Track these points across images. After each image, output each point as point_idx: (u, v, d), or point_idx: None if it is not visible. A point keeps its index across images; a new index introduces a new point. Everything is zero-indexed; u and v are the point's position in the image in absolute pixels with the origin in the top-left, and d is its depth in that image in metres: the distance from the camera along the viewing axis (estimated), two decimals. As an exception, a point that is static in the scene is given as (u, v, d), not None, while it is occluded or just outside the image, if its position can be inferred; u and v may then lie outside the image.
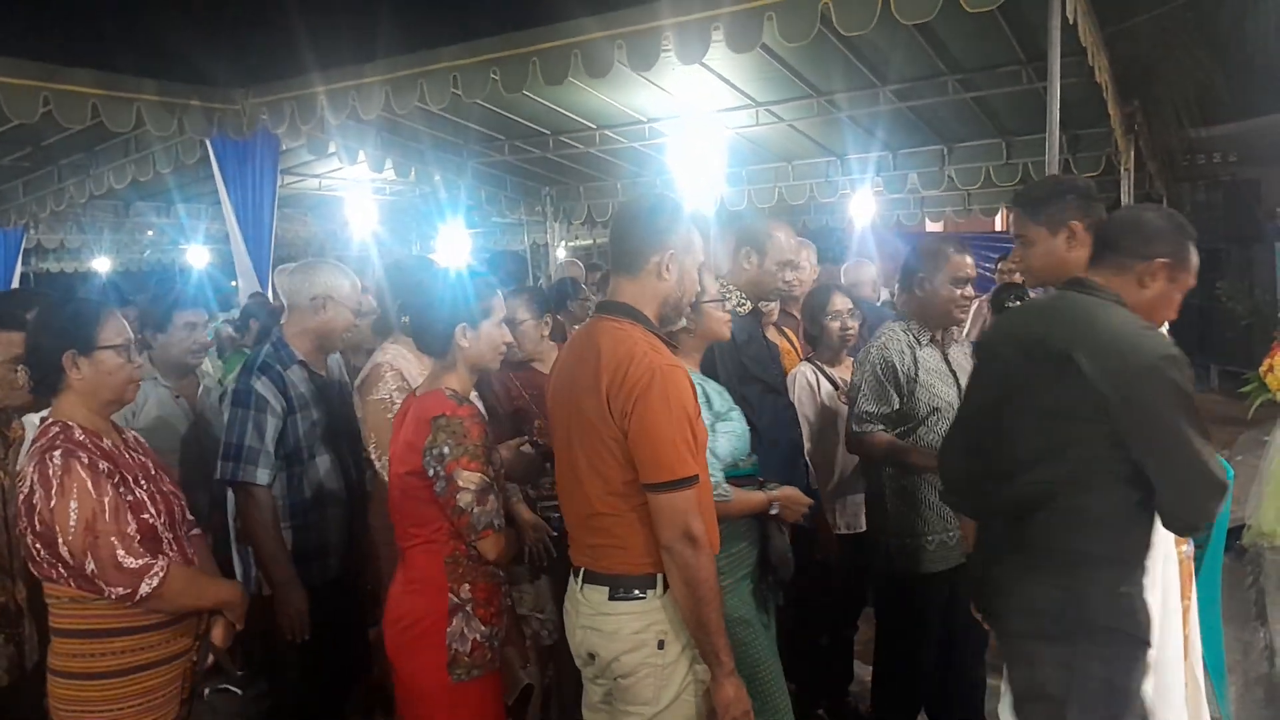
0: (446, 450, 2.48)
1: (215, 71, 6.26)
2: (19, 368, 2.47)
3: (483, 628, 2.57)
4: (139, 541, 2.32)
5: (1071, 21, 4.31)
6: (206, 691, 2.70)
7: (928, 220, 11.05)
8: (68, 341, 2.41)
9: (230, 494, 3.55)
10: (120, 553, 2.27)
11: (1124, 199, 7.53)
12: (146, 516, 2.42)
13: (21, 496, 2.30)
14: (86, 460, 2.30)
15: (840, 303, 3.94)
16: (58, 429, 2.37)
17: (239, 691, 2.91)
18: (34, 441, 2.39)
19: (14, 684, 2.78)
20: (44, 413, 2.50)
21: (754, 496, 2.84)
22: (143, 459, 2.57)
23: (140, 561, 2.29)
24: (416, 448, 2.51)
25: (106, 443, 2.45)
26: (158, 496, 2.49)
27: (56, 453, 2.29)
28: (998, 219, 13.68)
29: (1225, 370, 11.25)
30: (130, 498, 2.39)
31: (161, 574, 2.31)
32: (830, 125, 7.80)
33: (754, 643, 2.76)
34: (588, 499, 2.34)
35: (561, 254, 10.95)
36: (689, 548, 2.23)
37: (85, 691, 2.36)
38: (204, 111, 5.95)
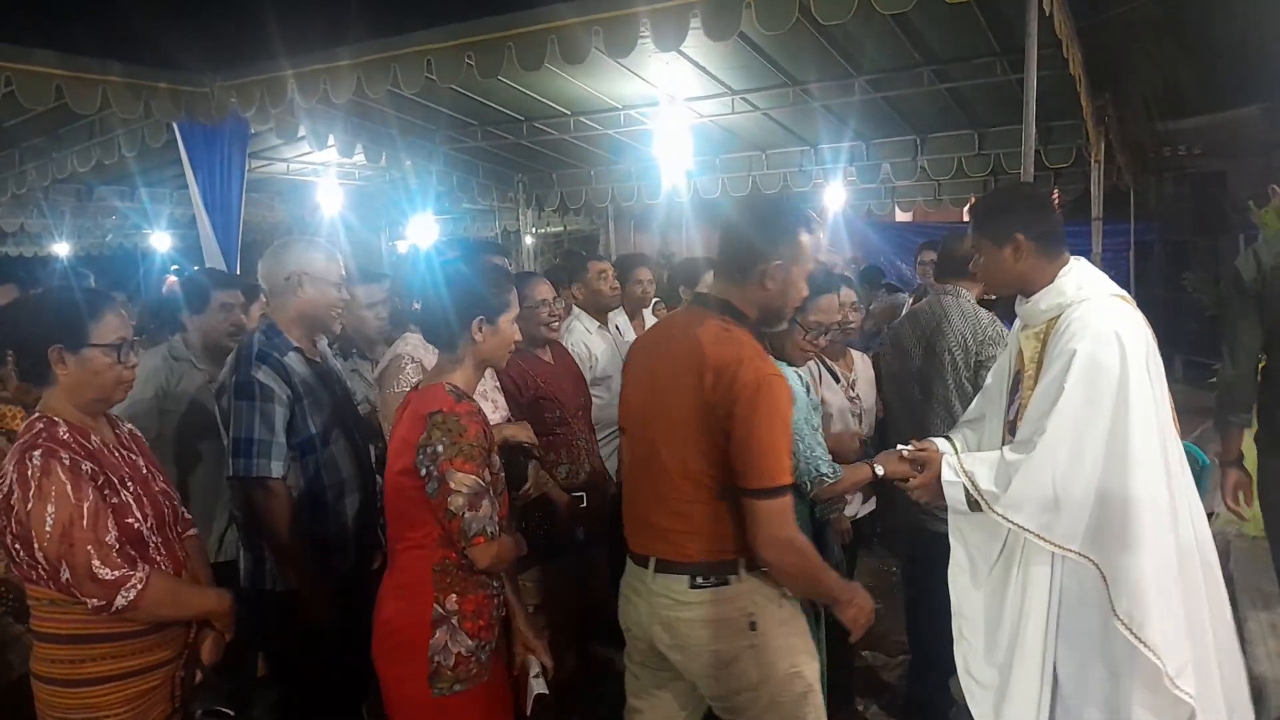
0: (440, 449, 2.37)
1: (183, 54, 6.13)
2: (9, 354, 2.33)
3: (469, 641, 2.46)
4: (118, 550, 2.22)
5: (1048, 14, 4.32)
6: (199, 713, 2.59)
7: (898, 210, 11.12)
8: (56, 335, 2.29)
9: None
10: (96, 563, 2.17)
11: (1094, 190, 7.61)
12: (131, 521, 2.32)
13: (0, 495, 2.20)
14: (68, 461, 2.20)
15: (843, 295, 3.92)
16: (41, 425, 2.27)
17: (231, 714, 2.80)
18: (17, 438, 2.29)
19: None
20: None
21: (860, 470, 2.95)
22: (134, 458, 2.47)
23: (116, 573, 2.19)
24: (411, 444, 2.41)
25: (94, 440, 2.34)
26: (144, 499, 2.38)
27: (37, 452, 2.19)
28: (966, 210, 13.78)
29: (1190, 361, 11.38)
30: (115, 500, 2.29)
31: (139, 585, 2.22)
32: (805, 114, 7.81)
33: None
34: (669, 488, 2.34)
35: (529, 241, 10.89)
36: (788, 553, 2.28)
37: (67, 698, 2.28)
38: (171, 94, 5.82)
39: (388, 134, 8.25)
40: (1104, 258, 7.83)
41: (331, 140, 7.74)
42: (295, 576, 2.97)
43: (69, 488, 2.18)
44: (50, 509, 2.15)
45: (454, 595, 2.46)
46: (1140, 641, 2.32)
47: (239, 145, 6.70)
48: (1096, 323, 2.44)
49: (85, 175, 8.88)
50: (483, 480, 2.41)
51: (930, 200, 9.98)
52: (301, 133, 7.64)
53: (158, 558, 2.37)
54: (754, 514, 2.24)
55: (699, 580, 2.33)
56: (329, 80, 5.52)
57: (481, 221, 14.44)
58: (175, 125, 6.34)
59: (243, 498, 3.01)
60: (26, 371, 2.33)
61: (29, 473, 2.17)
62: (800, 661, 2.40)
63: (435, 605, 2.45)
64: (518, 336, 2.68)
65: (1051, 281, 2.60)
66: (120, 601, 2.18)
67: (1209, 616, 2.48)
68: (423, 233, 11.79)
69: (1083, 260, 2.67)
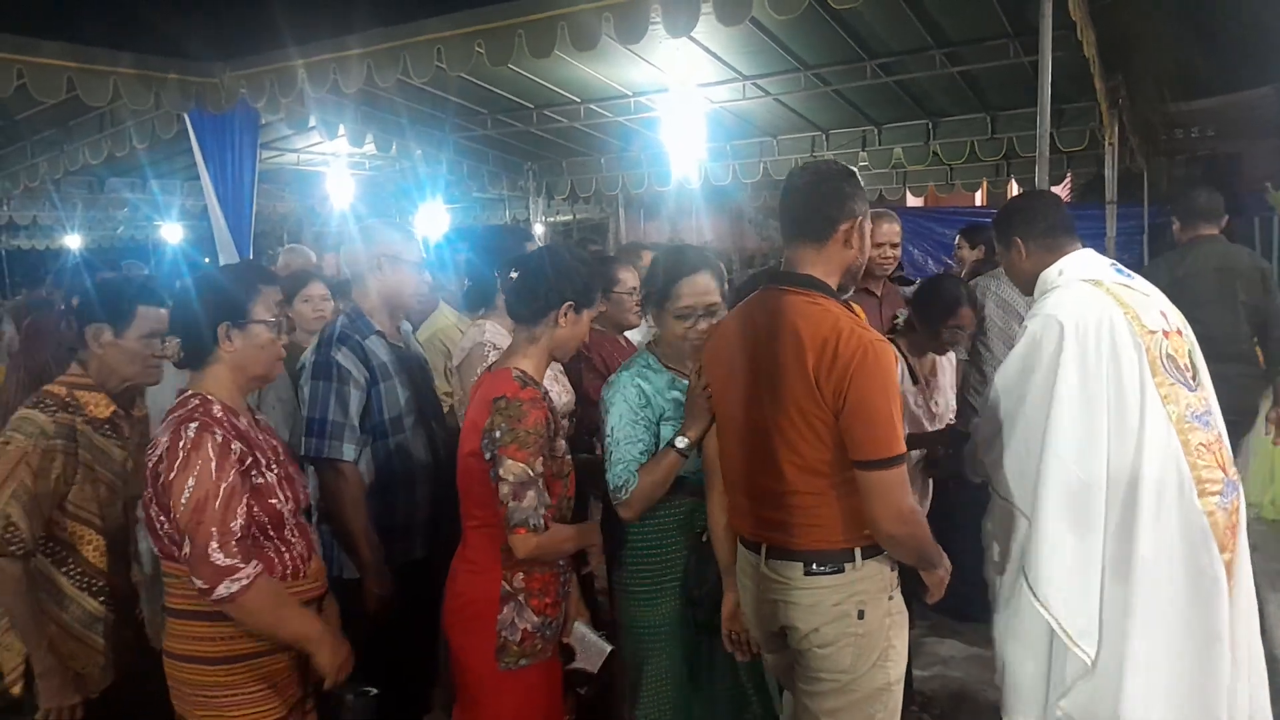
0: (499, 434, 2.40)
1: (193, 44, 6.13)
2: (168, 338, 2.36)
3: (535, 618, 2.51)
4: (239, 539, 2.20)
5: (1063, -6, 4.30)
6: (348, 694, 2.53)
7: (910, 194, 11.06)
8: (223, 312, 2.33)
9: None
10: (214, 544, 2.15)
11: (1108, 173, 7.56)
12: (274, 501, 2.34)
13: (150, 465, 2.23)
14: (220, 438, 2.23)
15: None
16: (198, 401, 2.29)
17: (376, 692, 2.74)
18: (170, 412, 2.30)
19: (134, 667, 2.69)
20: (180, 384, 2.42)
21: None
22: (273, 441, 2.49)
23: (228, 561, 2.16)
24: (478, 428, 2.46)
25: (243, 422, 2.37)
26: (285, 482, 2.41)
27: (193, 425, 2.22)
28: (979, 194, 13.71)
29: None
30: (261, 481, 2.32)
31: (245, 581, 2.17)
32: (816, 99, 7.78)
33: (660, 652, 2.82)
34: (782, 478, 2.31)
35: (540, 229, 10.87)
36: (910, 524, 2.27)
37: (201, 675, 2.29)
38: (181, 85, 5.83)
39: (397, 123, 8.25)
40: (1117, 241, 7.80)
41: (342, 130, 7.75)
42: (357, 562, 2.93)
43: (213, 465, 2.19)
44: (190, 482, 2.16)
45: (520, 574, 2.51)
46: (1035, 597, 2.57)
47: (250, 135, 6.69)
48: (1049, 306, 2.68)
49: (97, 167, 8.90)
50: (533, 470, 2.40)
51: (942, 185, 9.94)
52: (312, 122, 7.64)
53: (293, 539, 2.38)
54: (875, 487, 2.21)
55: (814, 567, 2.33)
56: (339, 69, 5.51)
57: (491, 210, 14.44)
58: (186, 116, 6.35)
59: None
60: (190, 351, 2.35)
61: (181, 443, 2.19)
62: (891, 658, 2.39)
63: (503, 582, 2.50)
64: (585, 333, 2.71)
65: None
66: (222, 591, 2.15)
67: (1178, 609, 2.53)
68: (432, 222, 11.78)
69: (1085, 251, 2.81)
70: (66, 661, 2.59)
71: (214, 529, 2.16)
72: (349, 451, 2.92)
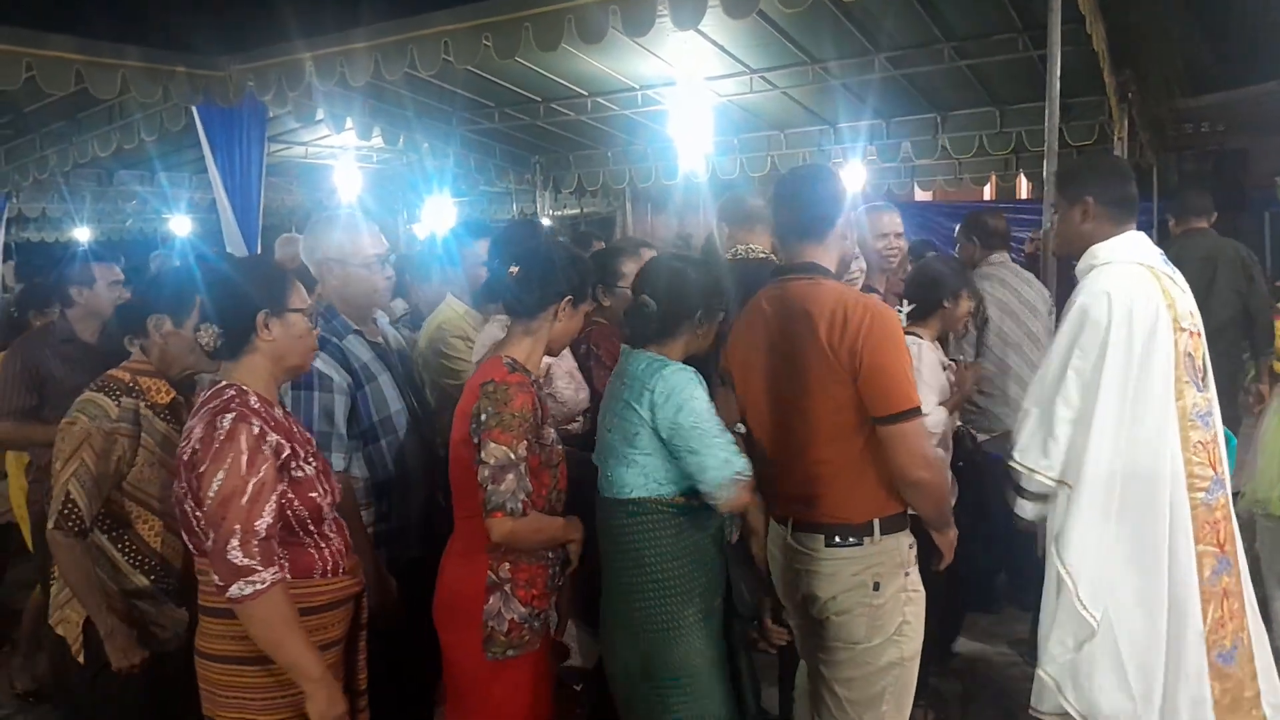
0: (484, 417, 2.42)
1: (200, 38, 6.14)
2: (204, 326, 2.31)
3: (522, 609, 2.51)
4: (261, 540, 2.13)
5: (1072, -12, 4.28)
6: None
7: (918, 189, 11.03)
8: (261, 301, 2.31)
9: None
10: (234, 542, 2.10)
11: (1117, 168, 7.51)
12: (315, 495, 2.31)
13: (184, 456, 2.22)
14: (256, 430, 2.19)
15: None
16: (234, 392, 2.26)
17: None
18: (204, 402, 2.27)
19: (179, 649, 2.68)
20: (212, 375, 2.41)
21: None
22: (305, 434, 2.46)
23: (245, 561, 2.10)
24: (466, 414, 2.47)
25: (278, 413, 2.35)
26: (323, 475, 2.39)
27: (229, 415, 2.19)
28: (987, 188, 13.66)
29: (1212, 339, 11.34)
30: (301, 474, 2.29)
31: (260, 586, 2.10)
32: (824, 93, 7.75)
33: (709, 680, 2.56)
34: (805, 453, 2.47)
35: (546, 223, 10.86)
36: (932, 470, 2.45)
37: (236, 675, 2.24)
38: (189, 79, 5.82)
39: (404, 116, 8.23)
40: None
41: (349, 123, 7.74)
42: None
43: (244, 459, 2.15)
44: (220, 475, 2.14)
45: (507, 564, 2.52)
46: (1060, 562, 2.68)
47: (258, 128, 6.70)
48: (1099, 283, 2.70)
49: (105, 160, 8.90)
50: (515, 454, 2.40)
51: (950, 179, 9.90)
52: (319, 116, 7.64)
53: (331, 534, 2.37)
54: (898, 438, 2.36)
55: (835, 539, 2.47)
56: (346, 62, 5.50)
57: (498, 204, 14.41)
58: (194, 109, 6.35)
59: None
60: (228, 340, 2.31)
61: (215, 434, 2.17)
62: (905, 633, 2.51)
63: (490, 572, 2.51)
64: (578, 328, 2.74)
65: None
66: (234, 591, 2.09)
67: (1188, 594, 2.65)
68: (439, 215, 11.77)
69: (1139, 233, 2.84)
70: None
71: (237, 525, 2.12)
72: (337, 461, 2.84)
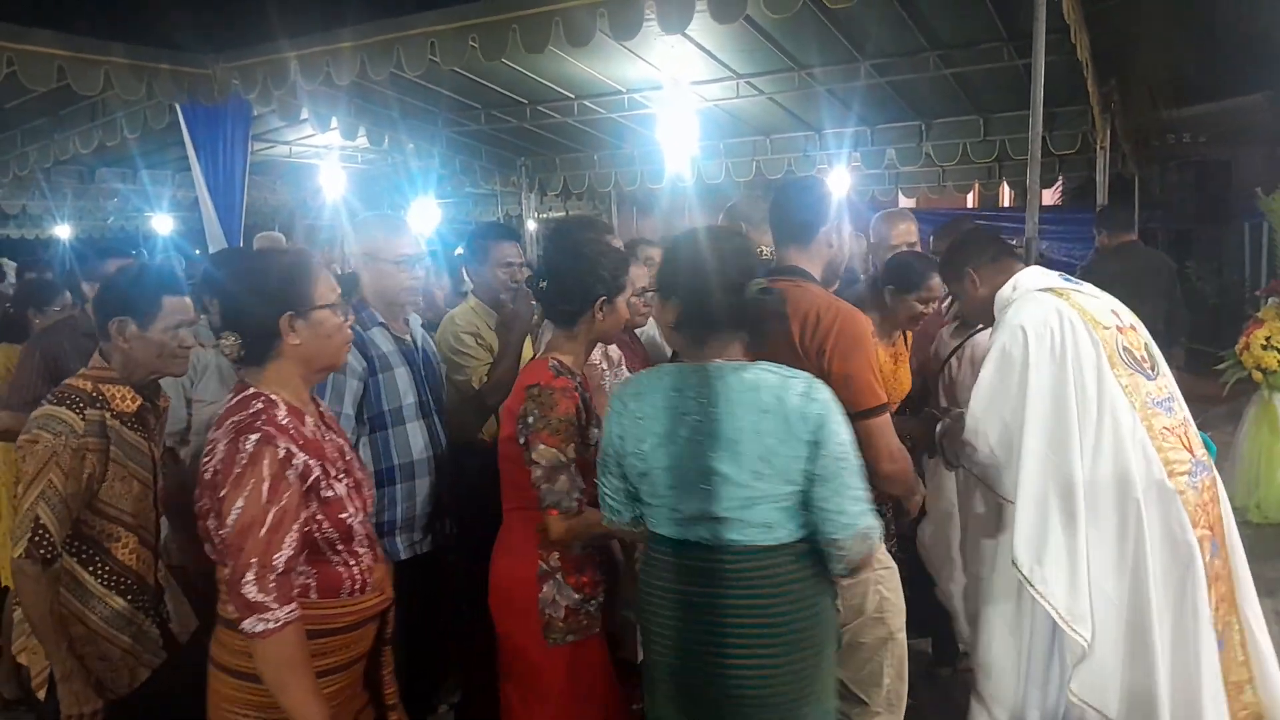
0: (531, 419, 2.48)
1: (185, 35, 6.11)
2: (226, 335, 2.14)
3: (575, 595, 2.55)
4: (278, 575, 1.99)
5: (1057, -2, 4.30)
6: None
7: (901, 196, 11.07)
8: (284, 303, 2.12)
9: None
10: (249, 576, 1.96)
11: (1099, 178, 7.57)
12: (345, 515, 2.15)
13: (206, 473, 2.05)
14: (282, 453, 2.02)
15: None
16: (261, 405, 2.07)
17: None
18: (231, 411, 2.09)
19: (161, 665, 2.61)
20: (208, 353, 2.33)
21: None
22: (339, 440, 2.30)
23: (259, 597, 1.96)
24: (513, 414, 2.54)
25: (308, 424, 2.17)
26: (355, 491, 2.22)
27: (253, 437, 2.01)
28: (970, 196, 13.74)
29: (1192, 349, 11.40)
30: (330, 494, 2.12)
31: (272, 625, 1.96)
32: (809, 99, 7.78)
33: None
34: None
35: (532, 225, 10.85)
36: (901, 459, 2.58)
37: (248, 693, 2.08)
38: (173, 76, 5.79)
39: (390, 117, 8.21)
40: (1108, 246, 7.81)
41: (334, 123, 7.71)
42: None
43: (265, 486, 1.98)
44: (240, 502, 1.97)
45: (556, 553, 2.56)
46: (1031, 586, 2.64)
47: (242, 127, 6.66)
48: (1011, 319, 2.82)
49: (87, 157, 8.85)
50: (564, 456, 2.47)
51: (934, 186, 9.96)
52: (304, 115, 7.61)
53: (361, 550, 2.21)
54: (869, 433, 2.47)
55: None
56: (331, 62, 5.49)
57: (484, 206, 14.40)
58: (178, 107, 6.31)
59: None
60: (251, 349, 2.14)
61: (238, 456, 1.99)
62: (887, 609, 2.73)
63: (540, 562, 2.55)
64: (626, 315, 2.80)
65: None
66: (247, 626, 1.96)
67: (1158, 599, 2.64)
68: (424, 217, 11.74)
69: (1031, 267, 3.04)
70: (90, 663, 2.48)
71: (254, 559, 1.97)
72: None
